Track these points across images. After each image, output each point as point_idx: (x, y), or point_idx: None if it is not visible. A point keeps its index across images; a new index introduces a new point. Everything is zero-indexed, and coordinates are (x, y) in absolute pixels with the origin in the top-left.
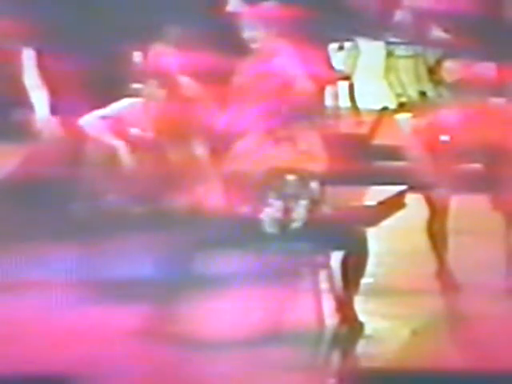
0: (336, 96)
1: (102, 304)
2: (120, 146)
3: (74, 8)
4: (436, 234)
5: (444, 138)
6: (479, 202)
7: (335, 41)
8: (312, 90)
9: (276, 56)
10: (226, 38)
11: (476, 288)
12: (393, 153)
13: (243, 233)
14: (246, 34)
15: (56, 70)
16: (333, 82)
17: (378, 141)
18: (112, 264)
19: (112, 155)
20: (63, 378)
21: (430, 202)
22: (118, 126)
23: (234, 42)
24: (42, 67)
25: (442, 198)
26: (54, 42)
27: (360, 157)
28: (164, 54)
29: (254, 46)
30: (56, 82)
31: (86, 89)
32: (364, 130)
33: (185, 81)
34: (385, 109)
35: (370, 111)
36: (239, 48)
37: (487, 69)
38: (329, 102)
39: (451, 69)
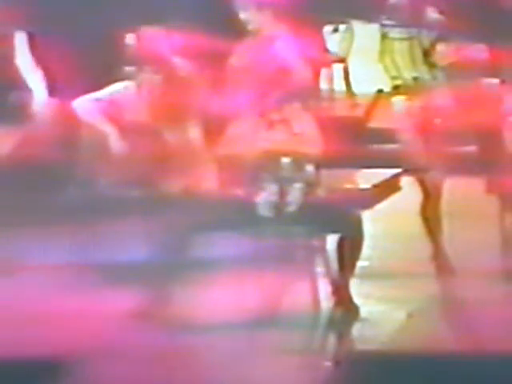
0: (331, 79)
1: (97, 287)
2: (111, 130)
3: None
4: (430, 217)
5: (438, 120)
6: (473, 185)
7: (330, 23)
8: (308, 74)
9: (273, 39)
10: (222, 19)
11: (471, 271)
12: (388, 136)
13: (238, 216)
14: (242, 15)
15: (50, 53)
16: (327, 64)
17: (372, 124)
18: (108, 248)
19: (105, 139)
20: (60, 360)
21: (423, 185)
22: (111, 110)
23: (230, 23)
24: (35, 50)
25: (435, 180)
26: (47, 25)
27: (355, 140)
28: (158, 37)
29: (250, 27)
30: (51, 65)
31: (81, 72)
32: (359, 112)
33: (179, 63)
34: (380, 92)
35: (365, 94)
36: (235, 29)
37: (480, 51)
38: (324, 84)
39: (444, 52)
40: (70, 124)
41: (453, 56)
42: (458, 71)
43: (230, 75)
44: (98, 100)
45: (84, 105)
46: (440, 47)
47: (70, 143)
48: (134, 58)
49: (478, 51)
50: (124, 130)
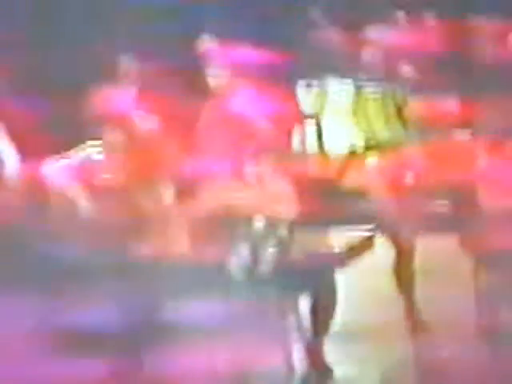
0: (304, 136)
1: (64, 355)
2: (81, 193)
3: (32, 49)
4: (403, 274)
5: (410, 177)
6: (446, 242)
7: (303, 79)
8: (278, 132)
9: (242, 97)
10: (191, 78)
11: (444, 328)
12: (360, 194)
13: (210, 279)
14: (212, 74)
15: (14, 113)
16: (300, 120)
17: (345, 182)
18: (76, 313)
19: (75, 203)
20: None
21: (396, 243)
22: (81, 174)
23: (199, 81)
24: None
25: (408, 238)
26: (12, 82)
27: (328, 198)
28: (122, 95)
29: (219, 86)
30: (15, 125)
31: (47, 132)
32: (332, 171)
33: (143, 121)
34: (353, 150)
35: (338, 151)
36: (204, 89)
37: (450, 105)
38: (296, 142)
39: (416, 106)
40: (39, 188)
41: (425, 110)
42: (429, 125)
43: (200, 135)
44: (67, 164)
45: (54, 169)
46: (412, 101)
47: (39, 207)
48: (99, 117)
49: (450, 105)
50: (93, 192)
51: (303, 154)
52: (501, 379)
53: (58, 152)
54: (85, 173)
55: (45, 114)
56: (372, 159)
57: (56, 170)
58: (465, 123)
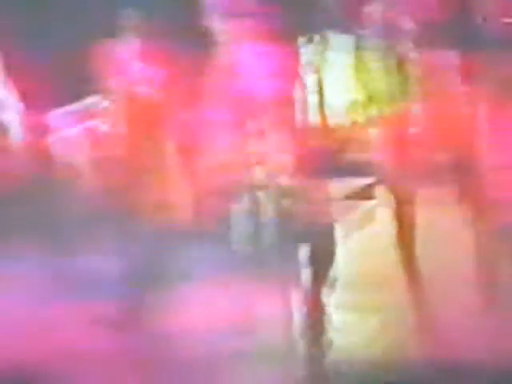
0: (304, 89)
1: (64, 298)
2: (83, 142)
3: (35, 4)
4: (403, 226)
5: (410, 130)
6: (446, 195)
7: (304, 34)
8: (281, 85)
9: (245, 51)
10: (194, 31)
11: (443, 281)
12: (362, 146)
13: (211, 227)
14: (215, 26)
15: (20, 67)
16: (301, 76)
17: (347, 134)
18: (81, 257)
19: (77, 151)
20: (33, 371)
21: (396, 195)
22: (83, 122)
23: (203, 35)
24: (5, 65)
25: (408, 190)
26: (16, 39)
27: (329, 150)
28: (124, 49)
29: (222, 39)
30: (21, 80)
31: (51, 85)
32: (333, 123)
33: (146, 74)
34: (354, 102)
35: (339, 105)
36: (208, 41)
37: (451, 58)
38: (297, 95)
39: (417, 60)
40: (42, 136)
41: (425, 64)
42: (430, 79)
43: (203, 89)
44: (70, 113)
45: (57, 118)
46: (413, 55)
47: (43, 155)
48: (102, 71)
49: (450, 58)
50: (96, 141)
51: (304, 107)
52: (495, 330)
53: (61, 105)
54: (87, 122)
55: (48, 69)
56: (373, 111)
57: (58, 119)
58: (466, 77)
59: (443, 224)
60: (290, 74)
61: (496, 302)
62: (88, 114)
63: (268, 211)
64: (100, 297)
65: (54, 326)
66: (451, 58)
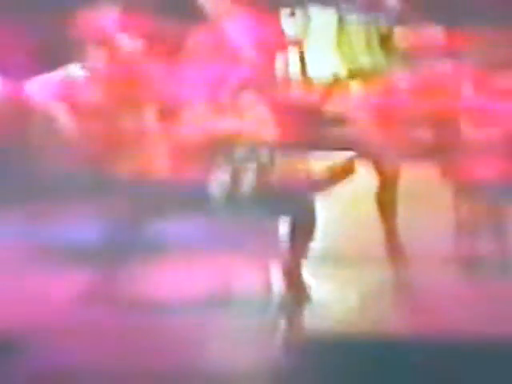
0: (286, 62)
1: (46, 269)
2: (62, 111)
3: None
4: (385, 201)
5: (394, 104)
6: (428, 170)
7: (286, 6)
8: (263, 58)
9: (228, 22)
10: (177, 2)
11: (424, 255)
12: (343, 120)
13: (190, 198)
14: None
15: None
16: (284, 48)
17: (328, 108)
18: (58, 228)
19: (56, 121)
20: (6, 341)
21: (379, 169)
22: (63, 92)
23: (186, 5)
24: None
25: (391, 165)
26: None
27: (310, 124)
28: (106, 16)
29: (205, 10)
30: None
31: (32, 53)
32: (314, 96)
33: (126, 42)
34: (336, 77)
35: (321, 79)
36: (190, 12)
37: (436, 33)
38: (279, 68)
39: (401, 35)
40: (21, 105)
41: (409, 39)
42: (414, 55)
43: (184, 59)
44: (49, 82)
45: (35, 87)
46: (397, 30)
47: (21, 125)
48: (83, 38)
49: (434, 33)
50: (76, 111)
51: (286, 80)
52: (477, 306)
53: (40, 74)
54: (66, 90)
55: (28, 37)
56: (355, 86)
57: (37, 86)
58: (450, 53)
59: (425, 198)
60: (273, 46)
61: (477, 273)
62: (68, 82)
63: (248, 183)
64: (76, 267)
65: (30, 297)
66: (435, 32)
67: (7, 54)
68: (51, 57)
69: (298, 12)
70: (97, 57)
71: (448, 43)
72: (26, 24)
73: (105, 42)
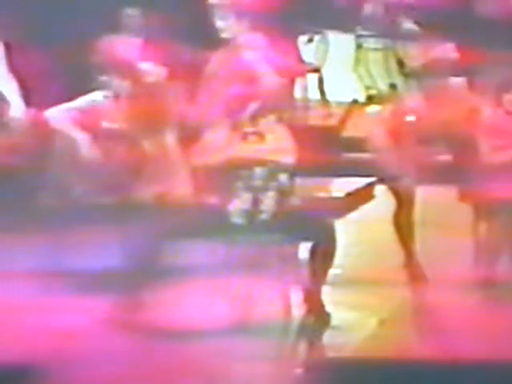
0: (305, 89)
1: (69, 295)
2: (84, 138)
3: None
4: (403, 225)
5: (411, 128)
6: (446, 193)
7: (305, 33)
8: (281, 84)
9: (247, 49)
10: (197, 28)
11: (443, 279)
12: (361, 145)
13: (211, 223)
14: (218, 23)
15: (25, 63)
16: (302, 74)
17: (346, 133)
18: (79, 255)
19: (78, 147)
20: (29, 368)
21: (396, 194)
22: (85, 118)
23: (206, 32)
24: (11, 60)
25: (408, 188)
26: (22, 34)
27: (329, 149)
28: (130, 44)
29: (225, 36)
30: (25, 74)
31: (55, 81)
32: (333, 122)
33: (150, 70)
34: (355, 102)
35: (340, 104)
36: (211, 38)
37: (451, 54)
38: (298, 94)
39: (415, 54)
40: (43, 133)
41: (424, 57)
42: (429, 73)
43: (205, 84)
44: (71, 109)
45: (57, 114)
46: (412, 50)
47: (44, 151)
48: (106, 66)
49: (451, 54)
50: (98, 137)
51: (305, 105)
52: (497, 329)
53: (64, 101)
54: (89, 117)
55: (52, 64)
56: (373, 110)
57: (59, 113)
58: (466, 73)
59: (443, 221)
60: (292, 71)
61: (497, 297)
62: (91, 109)
63: (268, 208)
64: (99, 292)
65: (52, 320)
66: (451, 51)
67: (31, 81)
68: (74, 84)
69: (316, 38)
70: (120, 84)
71: (463, 62)
72: (49, 51)
73: (128, 69)
